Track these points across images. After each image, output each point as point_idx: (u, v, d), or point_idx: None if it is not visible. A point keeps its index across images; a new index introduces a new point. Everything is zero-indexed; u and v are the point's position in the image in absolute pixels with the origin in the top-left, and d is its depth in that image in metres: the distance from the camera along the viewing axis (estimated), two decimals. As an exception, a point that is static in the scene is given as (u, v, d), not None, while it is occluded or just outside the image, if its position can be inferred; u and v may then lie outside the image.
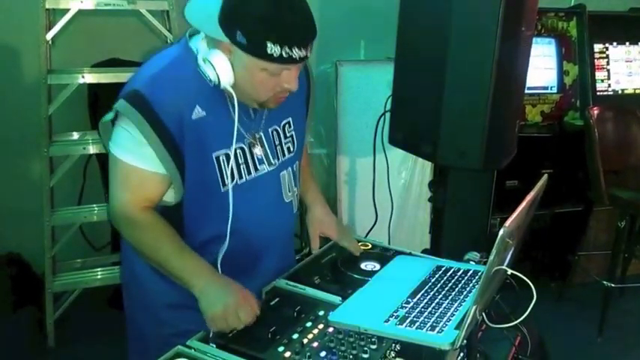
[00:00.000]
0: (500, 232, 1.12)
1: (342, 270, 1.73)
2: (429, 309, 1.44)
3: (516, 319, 1.38)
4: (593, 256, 3.84)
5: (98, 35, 3.36)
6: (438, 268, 1.69)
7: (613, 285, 3.48)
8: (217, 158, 1.56)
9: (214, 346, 1.39)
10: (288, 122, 1.74)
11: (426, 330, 1.34)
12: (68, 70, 3.07)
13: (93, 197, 3.39)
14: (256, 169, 1.65)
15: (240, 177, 1.61)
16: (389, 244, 2.02)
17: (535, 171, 3.74)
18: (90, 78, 3.00)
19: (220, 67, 1.47)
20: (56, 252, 3.19)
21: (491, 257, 1.15)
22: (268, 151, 1.68)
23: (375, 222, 2.91)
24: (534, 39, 3.58)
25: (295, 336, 1.40)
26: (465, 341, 1.31)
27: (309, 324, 1.45)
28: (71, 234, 3.23)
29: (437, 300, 1.49)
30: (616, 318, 3.54)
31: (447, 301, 1.48)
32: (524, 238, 1.48)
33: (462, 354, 1.41)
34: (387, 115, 2.45)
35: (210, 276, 1.53)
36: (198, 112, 1.51)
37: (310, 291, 1.62)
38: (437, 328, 1.34)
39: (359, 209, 3.63)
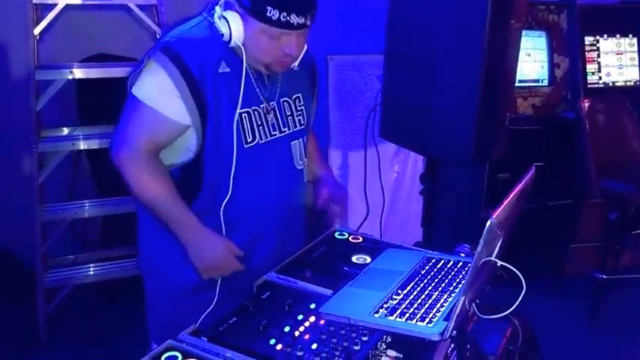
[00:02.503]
0: (488, 223, 1.13)
1: (333, 263, 1.74)
2: (419, 300, 1.45)
3: (506, 310, 1.38)
4: (585, 248, 3.85)
5: (86, 30, 3.33)
6: (428, 259, 1.70)
7: (604, 276, 3.50)
8: (240, 115, 1.68)
9: (206, 339, 1.38)
10: (298, 97, 1.87)
11: (416, 321, 1.35)
12: (56, 66, 3.05)
13: (83, 193, 3.37)
14: (271, 134, 1.77)
15: (260, 137, 1.74)
16: (381, 237, 2.03)
17: (526, 164, 3.73)
18: (78, 73, 2.98)
19: (233, 23, 1.61)
20: (47, 248, 3.18)
21: (479, 248, 1.17)
22: (279, 119, 1.80)
23: (367, 215, 2.92)
24: (525, 32, 3.60)
25: (287, 329, 1.40)
26: (454, 332, 1.31)
27: (300, 317, 1.45)
28: (62, 230, 3.22)
29: (427, 291, 1.50)
30: (608, 309, 3.55)
31: (437, 292, 1.50)
32: (513, 229, 1.48)
33: (452, 345, 1.41)
34: (379, 108, 2.46)
35: (199, 227, 1.69)
36: (224, 67, 1.66)
37: (301, 284, 1.62)
38: (426, 319, 1.35)
39: (351, 203, 3.63)
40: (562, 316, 3.56)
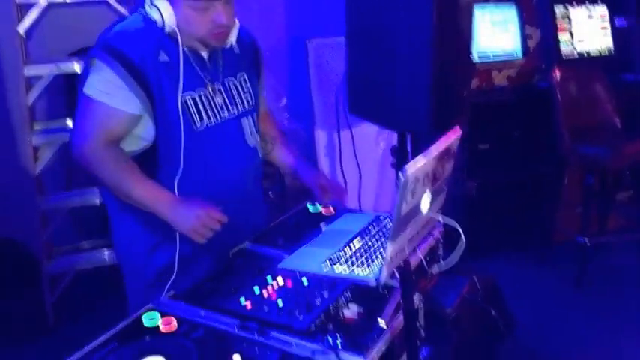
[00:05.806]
0: (400, 175, 1.16)
1: (303, 232, 1.87)
2: (364, 253, 1.62)
3: (464, 268, 1.48)
4: (571, 215, 3.85)
5: (71, 26, 3.39)
6: (378, 219, 1.86)
7: (588, 241, 3.53)
8: (185, 101, 1.75)
9: (183, 302, 1.51)
10: (244, 77, 1.94)
11: (357, 270, 1.52)
12: (44, 61, 3.12)
13: (81, 182, 3.44)
14: (220, 116, 1.84)
15: (210, 120, 1.81)
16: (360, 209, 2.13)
17: (505, 134, 3.83)
18: (65, 67, 3.06)
19: (162, 8, 1.70)
20: (51, 236, 3.29)
21: (397, 199, 1.17)
22: (227, 99, 1.87)
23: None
24: (495, 4, 3.67)
25: (256, 289, 1.53)
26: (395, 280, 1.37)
27: (269, 278, 1.58)
28: (63, 219, 3.32)
29: (372, 245, 1.67)
30: (593, 274, 3.57)
31: (382, 245, 1.65)
32: (449, 187, 1.49)
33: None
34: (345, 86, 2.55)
35: (171, 198, 1.73)
36: (163, 56, 1.73)
37: (273, 251, 1.76)
38: (368, 268, 1.51)
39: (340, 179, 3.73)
40: (549, 281, 3.60)
